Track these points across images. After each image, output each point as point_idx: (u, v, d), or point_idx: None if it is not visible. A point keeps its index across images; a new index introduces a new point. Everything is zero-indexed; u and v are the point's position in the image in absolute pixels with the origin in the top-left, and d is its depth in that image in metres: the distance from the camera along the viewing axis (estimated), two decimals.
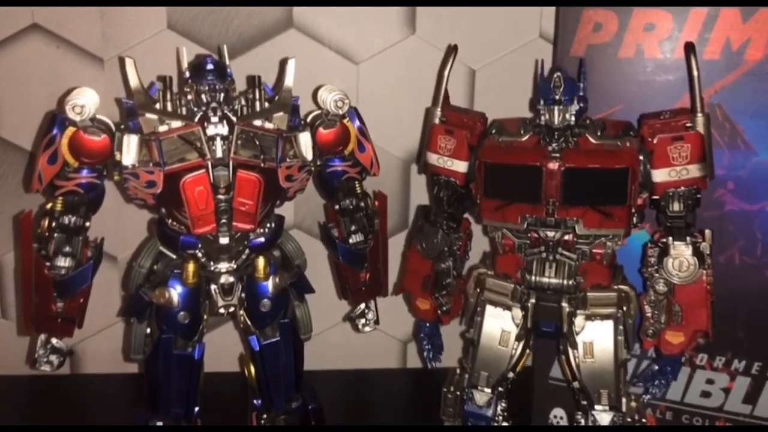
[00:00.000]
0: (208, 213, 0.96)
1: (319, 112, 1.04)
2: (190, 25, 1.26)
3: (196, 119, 0.96)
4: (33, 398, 1.35)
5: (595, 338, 1.01)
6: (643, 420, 1.04)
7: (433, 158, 1.08)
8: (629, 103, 1.12)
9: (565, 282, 1.01)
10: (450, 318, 1.14)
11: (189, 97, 0.97)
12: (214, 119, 0.95)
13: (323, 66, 1.28)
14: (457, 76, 1.21)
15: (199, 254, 1.02)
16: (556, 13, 1.20)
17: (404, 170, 1.36)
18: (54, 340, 1.01)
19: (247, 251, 1.03)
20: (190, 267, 1.01)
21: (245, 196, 0.97)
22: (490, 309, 1.05)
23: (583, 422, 1.05)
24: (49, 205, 0.98)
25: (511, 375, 1.06)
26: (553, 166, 0.96)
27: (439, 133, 1.07)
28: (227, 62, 1.01)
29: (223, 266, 1.02)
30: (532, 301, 1.02)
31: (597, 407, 1.02)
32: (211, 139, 0.95)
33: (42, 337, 1.00)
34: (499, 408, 1.08)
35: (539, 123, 1.00)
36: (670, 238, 0.99)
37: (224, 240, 0.99)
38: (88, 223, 0.99)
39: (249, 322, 1.06)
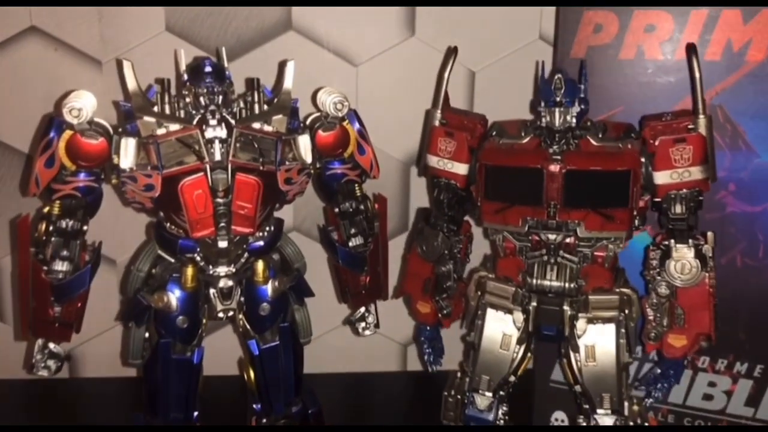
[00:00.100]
0: (207, 216, 0.95)
1: (318, 114, 1.04)
2: (188, 27, 1.26)
3: (195, 122, 0.95)
4: (31, 402, 1.34)
5: (597, 341, 1.01)
6: (646, 424, 1.03)
7: (433, 161, 1.08)
8: (630, 105, 1.11)
9: (567, 285, 1.00)
10: (451, 321, 1.14)
11: (187, 99, 0.97)
12: (213, 122, 0.95)
13: (322, 68, 1.28)
14: (456, 77, 1.20)
15: (198, 258, 1.01)
16: (556, 14, 1.19)
17: (404, 172, 1.36)
18: (51, 345, 1.00)
19: (246, 255, 1.03)
20: (189, 271, 1.01)
21: (244, 200, 0.96)
22: (491, 312, 1.05)
23: None
24: (46, 209, 0.98)
25: (512, 379, 1.06)
26: (554, 168, 0.96)
27: (439, 135, 1.07)
28: (226, 64, 1.00)
29: (222, 270, 1.02)
30: (534, 304, 1.01)
31: (599, 411, 1.02)
32: (210, 142, 0.94)
33: (39, 341, 1.00)
34: (500, 412, 1.07)
35: (540, 125, 0.99)
36: (672, 241, 0.98)
37: (223, 243, 0.98)
38: (85, 227, 0.98)
39: (248, 326, 1.06)
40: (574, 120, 0.97)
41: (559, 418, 1.26)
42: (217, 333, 1.36)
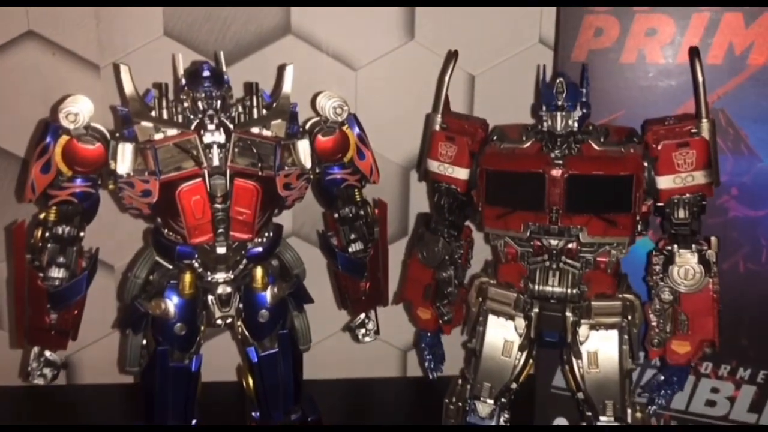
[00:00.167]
0: (205, 222, 0.94)
1: (317, 119, 1.03)
2: (187, 31, 1.25)
3: (193, 127, 0.95)
4: (27, 409, 1.33)
5: (600, 348, 1.00)
6: None
7: (433, 165, 1.07)
8: (631, 109, 1.11)
9: (569, 291, 0.99)
10: (451, 327, 1.13)
11: (185, 104, 0.96)
12: (211, 127, 0.94)
13: (321, 72, 1.27)
14: (456, 81, 1.20)
15: (196, 264, 1.00)
16: (556, 17, 1.19)
17: (403, 177, 1.35)
18: (47, 353, 0.99)
19: (244, 261, 1.02)
20: (187, 277, 1.00)
21: (243, 205, 0.95)
22: (492, 319, 1.04)
23: None
24: (42, 215, 0.97)
25: (514, 386, 1.05)
26: (556, 173, 0.95)
27: (439, 139, 1.06)
28: (224, 69, 1.00)
29: (220, 276, 1.01)
30: (536, 310, 1.01)
31: (602, 418, 1.01)
32: (208, 147, 0.94)
33: (35, 349, 0.99)
34: (501, 419, 1.06)
35: (541, 129, 0.99)
36: (675, 246, 0.98)
37: (221, 250, 0.98)
38: (82, 233, 0.98)
39: (247, 333, 1.05)
40: (575, 124, 0.97)
41: (561, 424, 1.25)
42: (216, 339, 1.35)
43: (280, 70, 1.04)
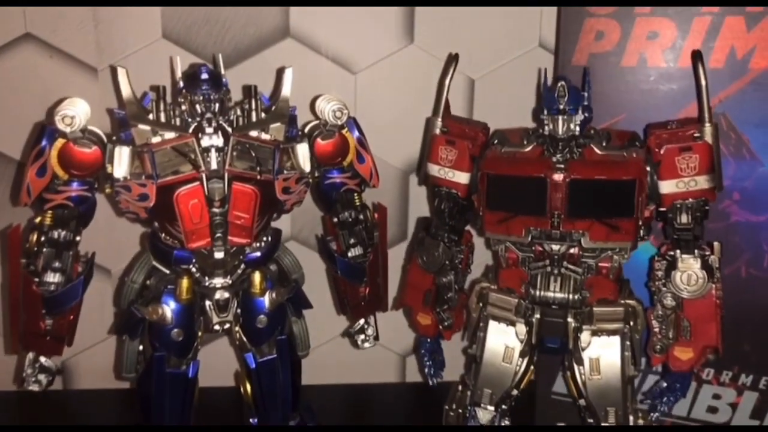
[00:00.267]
0: (203, 227, 0.93)
1: (317, 122, 1.03)
2: (185, 34, 1.24)
3: (191, 130, 0.94)
4: (23, 414, 1.32)
5: (602, 354, 1.00)
6: None
7: (434, 169, 1.06)
8: (632, 113, 1.10)
9: (571, 296, 0.99)
10: (452, 333, 1.12)
11: (183, 107, 0.95)
12: (209, 130, 0.93)
13: (321, 76, 1.26)
14: (455, 85, 1.19)
15: (194, 269, 0.99)
16: (557, 21, 1.19)
17: (403, 181, 1.35)
18: (42, 359, 0.99)
19: (242, 266, 1.01)
20: (184, 282, 0.99)
21: (241, 210, 0.94)
22: (493, 324, 1.03)
23: None
24: (38, 219, 0.96)
25: (515, 392, 1.04)
26: (558, 177, 0.95)
27: (440, 143, 1.06)
28: (222, 71, 0.99)
29: (218, 281, 1.00)
30: (537, 316, 1.00)
31: (604, 425, 1.00)
32: (206, 150, 0.93)
33: (30, 355, 0.98)
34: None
35: (543, 133, 0.98)
36: (678, 251, 0.97)
37: (219, 255, 0.97)
38: (78, 238, 0.97)
39: (245, 339, 1.04)
40: (577, 128, 0.96)
41: None
42: (214, 343, 1.34)
43: (279, 73, 1.03)
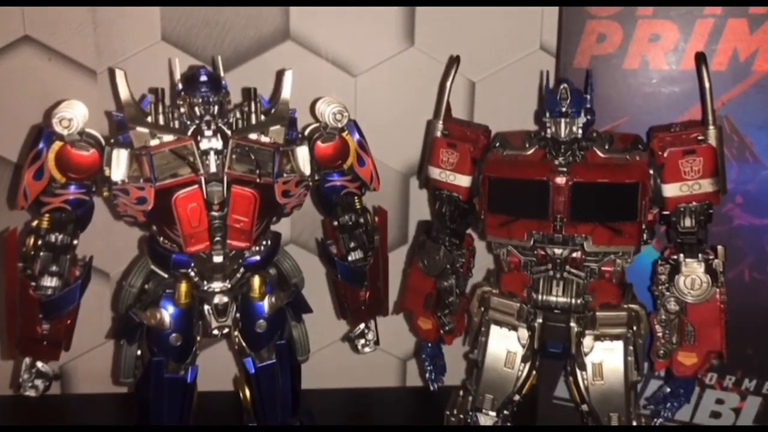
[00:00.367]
0: (201, 231, 0.93)
1: (317, 125, 1.02)
2: (185, 37, 1.24)
3: (189, 133, 0.93)
4: (20, 419, 1.31)
5: (605, 359, 0.99)
6: None
7: (435, 172, 1.06)
8: (634, 116, 1.10)
9: (574, 301, 0.98)
10: (453, 338, 1.12)
11: (182, 110, 0.95)
12: (208, 133, 0.93)
13: (320, 78, 1.26)
14: (456, 88, 1.18)
15: (192, 273, 0.99)
16: (558, 23, 1.18)
17: (403, 184, 1.34)
18: (39, 364, 0.98)
19: (241, 270, 1.00)
20: (183, 287, 0.98)
21: (240, 213, 0.94)
22: (495, 329, 1.03)
23: None
24: (35, 223, 0.96)
25: (516, 398, 1.03)
26: (561, 180, 0.94)
27: (441, 146, 1.05)
28: (222, 74, 0.98)
29: (216, 286, 0.99)
30: (539, 320, 0.99)
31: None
32: (205, 153, 0.92)
33: (27, 360, 0.97)
34: None
35: (545, 136, 0.97)
36: (682, 255, 0.97)
37: (218, 259, 0.96)
38: (75, 241, 0.96)
39: (244, 344, 1.03)
40: (580, 131, 0.96)
41: None
42: (212, 348, 1.33)
43: (279, 75, 1.03)
